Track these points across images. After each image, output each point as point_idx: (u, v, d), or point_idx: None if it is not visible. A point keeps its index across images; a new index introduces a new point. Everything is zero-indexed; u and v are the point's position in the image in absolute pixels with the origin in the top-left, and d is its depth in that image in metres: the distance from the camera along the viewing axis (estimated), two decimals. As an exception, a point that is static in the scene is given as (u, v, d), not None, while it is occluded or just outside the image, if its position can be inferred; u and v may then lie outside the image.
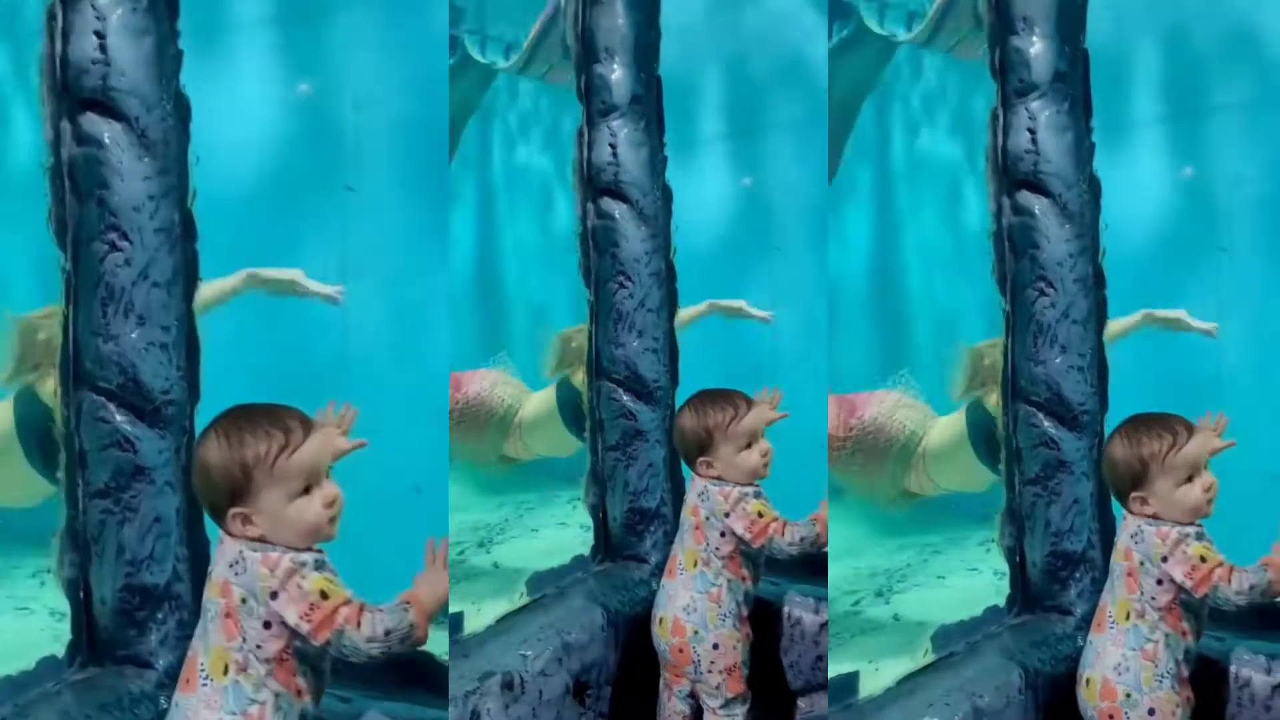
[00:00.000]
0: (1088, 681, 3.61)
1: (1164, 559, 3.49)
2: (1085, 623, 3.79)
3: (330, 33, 3.72)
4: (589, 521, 4.59)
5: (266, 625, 2.76)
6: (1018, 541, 4.19)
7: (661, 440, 4.56)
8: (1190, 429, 3.51)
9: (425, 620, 2.80)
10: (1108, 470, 3.60)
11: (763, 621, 4.26)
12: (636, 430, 4.57)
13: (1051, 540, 4.16)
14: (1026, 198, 4.13)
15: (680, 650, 4.01)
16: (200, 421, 3.38)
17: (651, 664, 4.13)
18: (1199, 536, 3.49)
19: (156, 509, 3.41)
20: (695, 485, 4.03)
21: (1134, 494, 3.52)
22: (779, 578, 4.44)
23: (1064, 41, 4.12)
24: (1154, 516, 3.52)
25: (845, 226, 4.05)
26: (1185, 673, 3.57)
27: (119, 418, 3.38)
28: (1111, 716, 3.56)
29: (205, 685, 2.80)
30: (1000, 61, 4.13)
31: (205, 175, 3.45)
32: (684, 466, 4.13)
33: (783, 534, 3.94)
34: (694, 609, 4.00)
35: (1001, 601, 4.18)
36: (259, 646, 2.77)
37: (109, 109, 3.33)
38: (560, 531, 4.53)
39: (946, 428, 4.13)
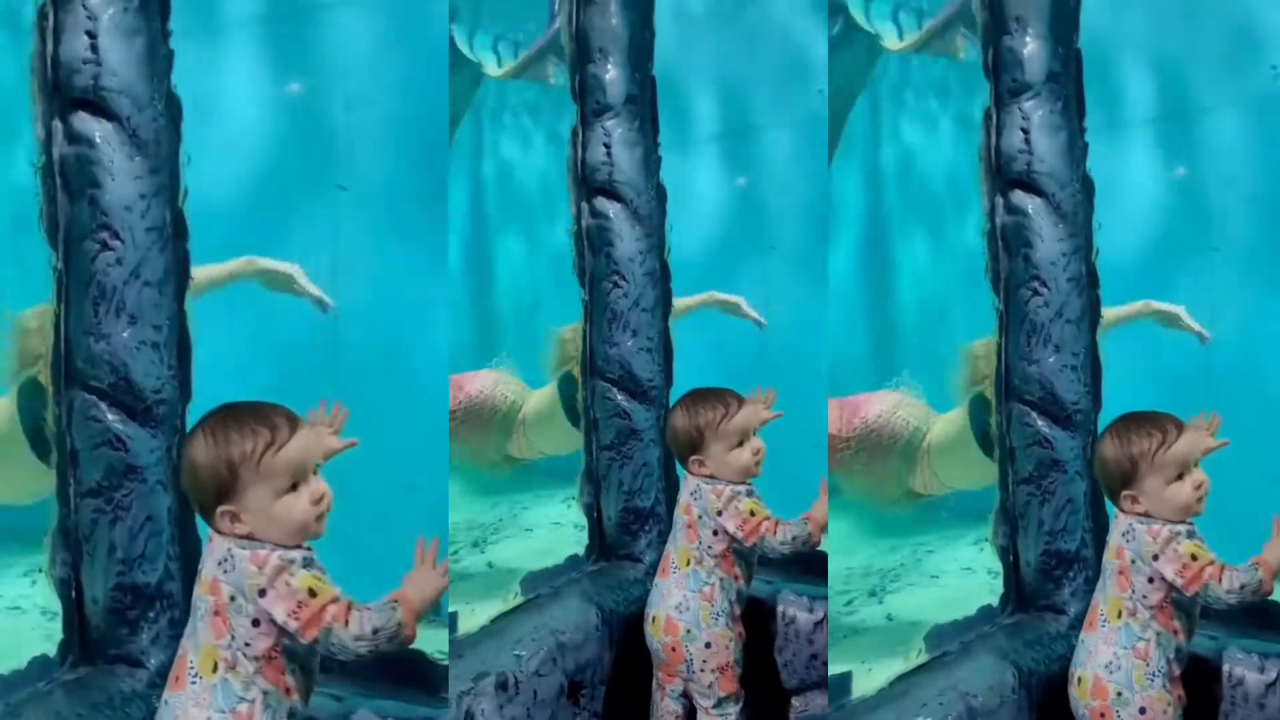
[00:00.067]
0: (1079, 680, 3.61)
1: (1155, 557, 3.49)
2: (1079, 622, 3.79)
3: (324, 31, 3.72)
4: (583, 521, 4.59)
5: (255, 623, 2.76)
6: (1011, 541, 4.19)
7: (656, 440, 4.56)
8: (1180, 427, 3.51)
9: (414, 619, 2.80)
10: (1098, 469, 3.60)
11: (757, 620, 4.26)
12: (631, 430, 4.57)
13: (1045, 539, 4.16)
14: (1020, 197, 4.13)
15: (673, 649, 4.01)
16: (192, 421, 3.34)
17: (647, 663, 4.13)
18: (1190, 534, 3.49)
19: (148, 508, 3.42)
20: (688, 484, 4.04)
21: (1125, 492, 3.52)
22: (773, 576, 4.44)
23: (1057, 41, 4.12)
24: (1145, 515, 3.52)
25: (840, 226, 4.05)
26: (1177, 671, 3.56)
27: (111, 417, 3.39)
28: (1103, 715, 3.56)
29: (194, 683, 2.80)
30: (994, 61, 4.14)
31: (196, 175, 3.45)
32: (679, 466, 4.13)
33: (775, 533, 3.94)
34: (686, 608, 4.00)
35: (995, 601, 4.18)
36: (248, 644, 2.77)
37: (100, 108, 3.34)
38: (555, 531, 4.53)
39: (949, 423, 4.13)
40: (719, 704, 4.01)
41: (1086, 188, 4.15)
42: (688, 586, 4.01)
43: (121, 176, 3.35)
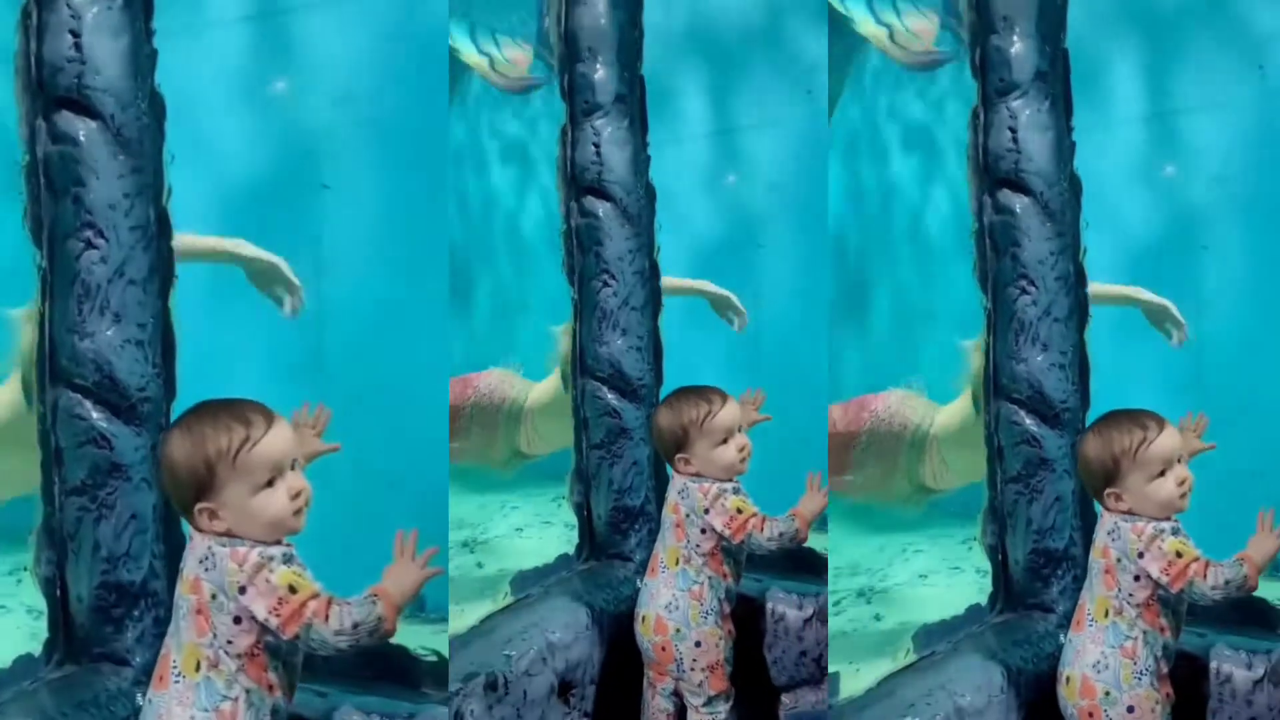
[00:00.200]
0: (1067, 679, 3.61)
1: (1140, 555, 3.49)
2: (1067, 620, 3.78)
3: (313, 28, 3.72)
4: (573, 520, 4.59)
5: (237, 620, 2.76)
6: (1000, 540, 4.19)
7: (646, 438, 4.55)
8: (1162, 424, 3.51)
9: (394, 612, 2.79)
10: (1081, 468, 3.60)
11: (746, 618, 4.26)
12: (621, 428, 4.57)
13: (1034, 538, 4.15)
14: (1007, 196, 4.12)
15: (663, 648, 4.02)
16: (176, 419, 3.39)
17: (637, 662, 4.13)
18: (1175, 532, 3.49)
19: (133, 506, 3.42)
20: (675, 483, 4.04)
21: (1108, 490, 3.52)
22: (762, 574, 4.45)
23: (1044, 40, 4.12)
24: (1129, 512, 3.52)
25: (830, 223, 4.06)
26: (1164, 669, 3.56)
27: (95, 415, 3.39)
28: (1091, 714, 3.56)
29: (178, 682, 2.80)
30: (980, 60, 4.14)
31: (180, 173, 3.46)
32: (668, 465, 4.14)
33: (762, 529, 3.95)
34: (676, 607, 4.00)
35: (983, 600, 4.17)
36: (230, 642, 2.77)
37: (84, 107, 3.34)
38: (545, 530, 4.54)
39: (955, 411, 4.14)
40: (709, 702, 4.02)
41: (1074, 187, 4.15)
42: (677, 585, 4.01)
43: (105, 175, 3.35)
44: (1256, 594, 3.62)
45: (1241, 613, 4.01)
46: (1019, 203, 4.12)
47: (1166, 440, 3.50)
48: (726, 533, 3.95)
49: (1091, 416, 4.10)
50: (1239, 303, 4.16)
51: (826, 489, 3.97)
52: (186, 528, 2.86)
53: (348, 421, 3.18)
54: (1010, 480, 4.16)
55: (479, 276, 4.38)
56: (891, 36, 4.05)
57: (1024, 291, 4.11)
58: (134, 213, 3.38)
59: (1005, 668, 3.90)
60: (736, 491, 3.98)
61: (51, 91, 3.34)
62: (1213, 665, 3.99)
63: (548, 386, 4.55)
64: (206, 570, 2.77)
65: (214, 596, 2.76)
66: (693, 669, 4.00)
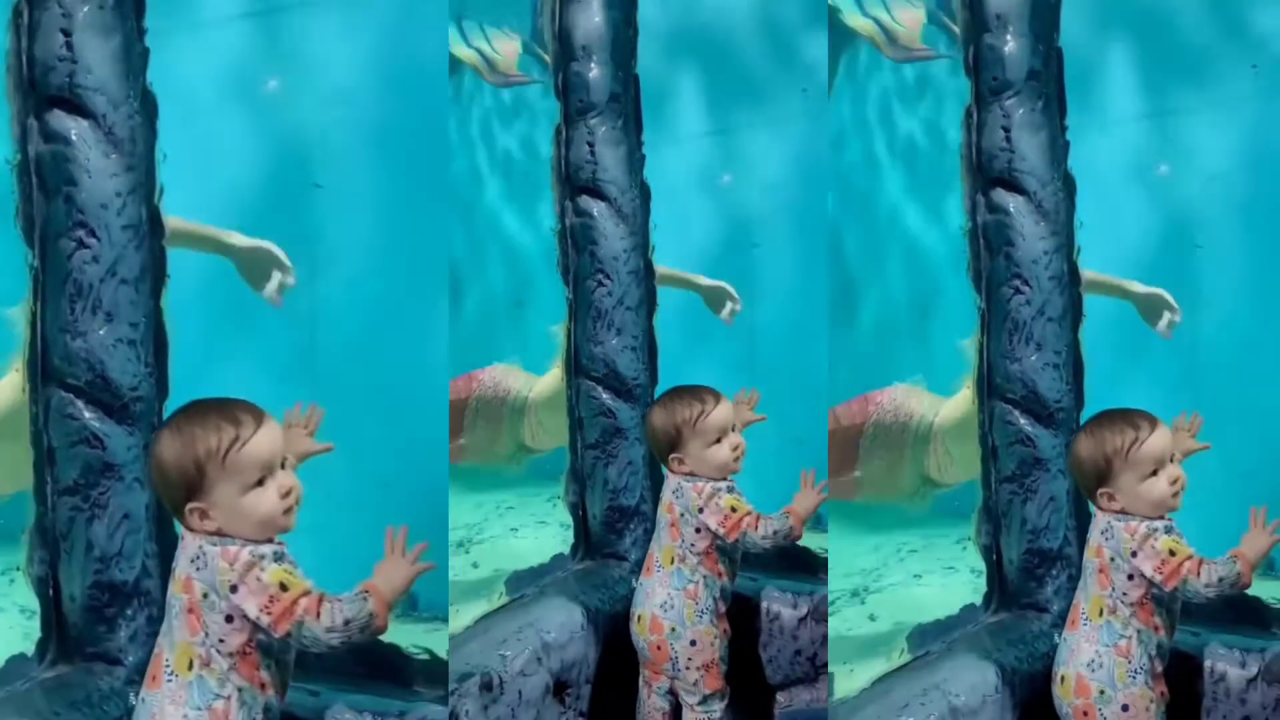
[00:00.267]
0: (1062, 679, 3.61)
1: (1133, 554, 3.48)
2: (1062, 620, 3.79)
3: (309, 26, 3.71)
4: (568, 520, 4.59)
5: (228, 619, 2.76)
6: (994, 539, 4.19)
7: (641, 438, 4.55)
8: (1154, 423, 3.51)
9: (385, 609, 2.79)
10: (1074, 468, 3.60)
11: (741, 617, 4.27)
12: (616, 428, 4.57)
13: (1028, 538, 4.15)
14: (1001, 196, 4.12)
15: (658, 647, 4.02)
16: (168, 418, 3.38)
17: (632, 662, 4.13)
18: (1168, 530, 3.49)
19: (125, 506, 3.42)
20: (669, 482, 4.04)
21: (1101, 490, 3.52)
22: (757, 573, 4.45)
23: (1038, 39, 4.12)
24: (1122, 512, 3.51)
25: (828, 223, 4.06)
26: (1159, 668, 3.56)
27: (87, 414, 3.39)
28: (1086, 714, 3.56)
29: (170, 681, 2.80)
30: (974, 59, 4.13)
31: (172, 172, 3.46)
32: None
33: (756, 527, 3.95)
34: (671, 606, 4.00)
35: (978, 600, 4.17)
36: (221, 641, 2.77)
37: (76, 106, 3.34)
38: (540, 530, 4.53)
39: (958, 404, 4.14)
40: (704, 701, 4.02)
41: (1068, 186, 4.15)
42: (672, 584, 4.01)
43: (97, 174, 3.35)
44: (1250, 592, 3.62)
45: (1235, 611, 4.01)
46: (1013, 202, 4.11)
47: (1158, 440, 3.49)
48: (721, 531, 3.96)
49: (1086, 416, 4.10)
50: (1233, 302, 4.16)
51: (820, 486, 3.97)
52: (179, 527, 2.86)
53: (346, 422, 3.18)
54: (1005, 480, 4.16)
55: (470, 277, 4.38)
56: (882, 30, 4.05)
57: (1018, 291, 4.11)
58: (126, 212, 3.38)
59: (1000, 667, 3.90)
60: (731, 490, 3.98)
61: (43, 90, 3.34)
62: (1207, 664, 4.00)
63: (551, 380, 4.55)
64: (198, 569, 2.77)
65: (205, 595, 2.76)
66: (688, 668, 4.00)
